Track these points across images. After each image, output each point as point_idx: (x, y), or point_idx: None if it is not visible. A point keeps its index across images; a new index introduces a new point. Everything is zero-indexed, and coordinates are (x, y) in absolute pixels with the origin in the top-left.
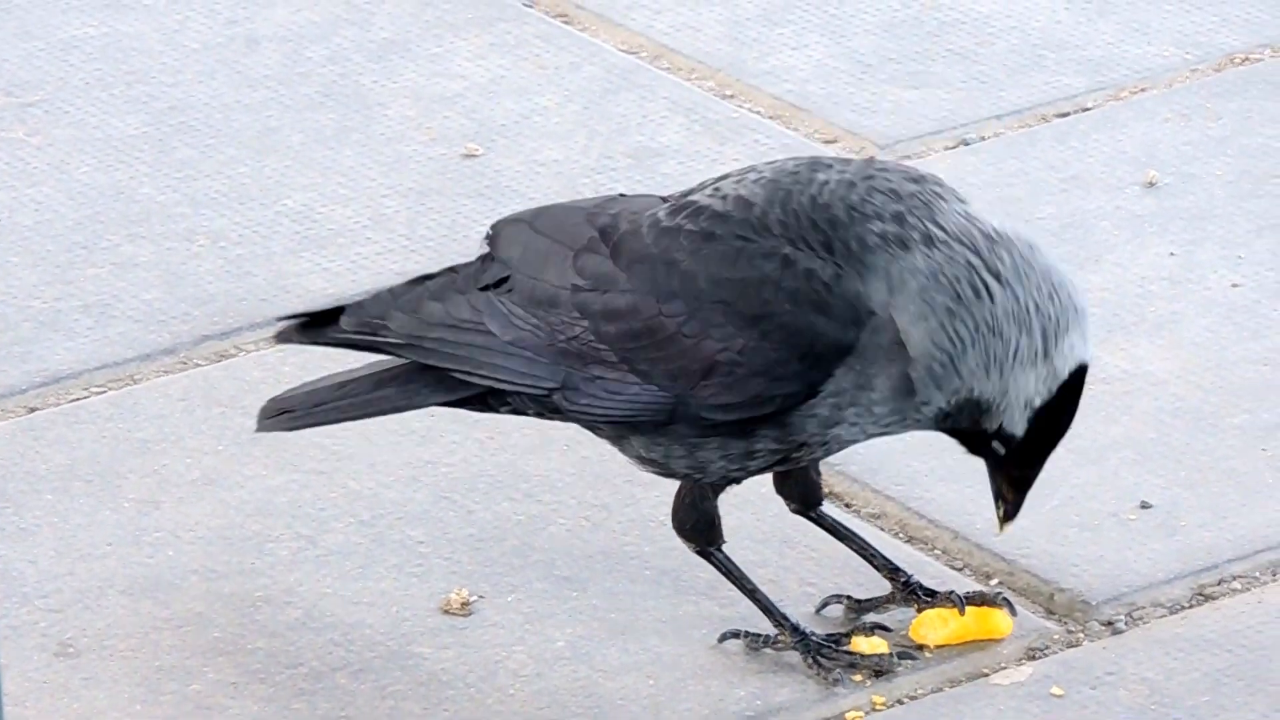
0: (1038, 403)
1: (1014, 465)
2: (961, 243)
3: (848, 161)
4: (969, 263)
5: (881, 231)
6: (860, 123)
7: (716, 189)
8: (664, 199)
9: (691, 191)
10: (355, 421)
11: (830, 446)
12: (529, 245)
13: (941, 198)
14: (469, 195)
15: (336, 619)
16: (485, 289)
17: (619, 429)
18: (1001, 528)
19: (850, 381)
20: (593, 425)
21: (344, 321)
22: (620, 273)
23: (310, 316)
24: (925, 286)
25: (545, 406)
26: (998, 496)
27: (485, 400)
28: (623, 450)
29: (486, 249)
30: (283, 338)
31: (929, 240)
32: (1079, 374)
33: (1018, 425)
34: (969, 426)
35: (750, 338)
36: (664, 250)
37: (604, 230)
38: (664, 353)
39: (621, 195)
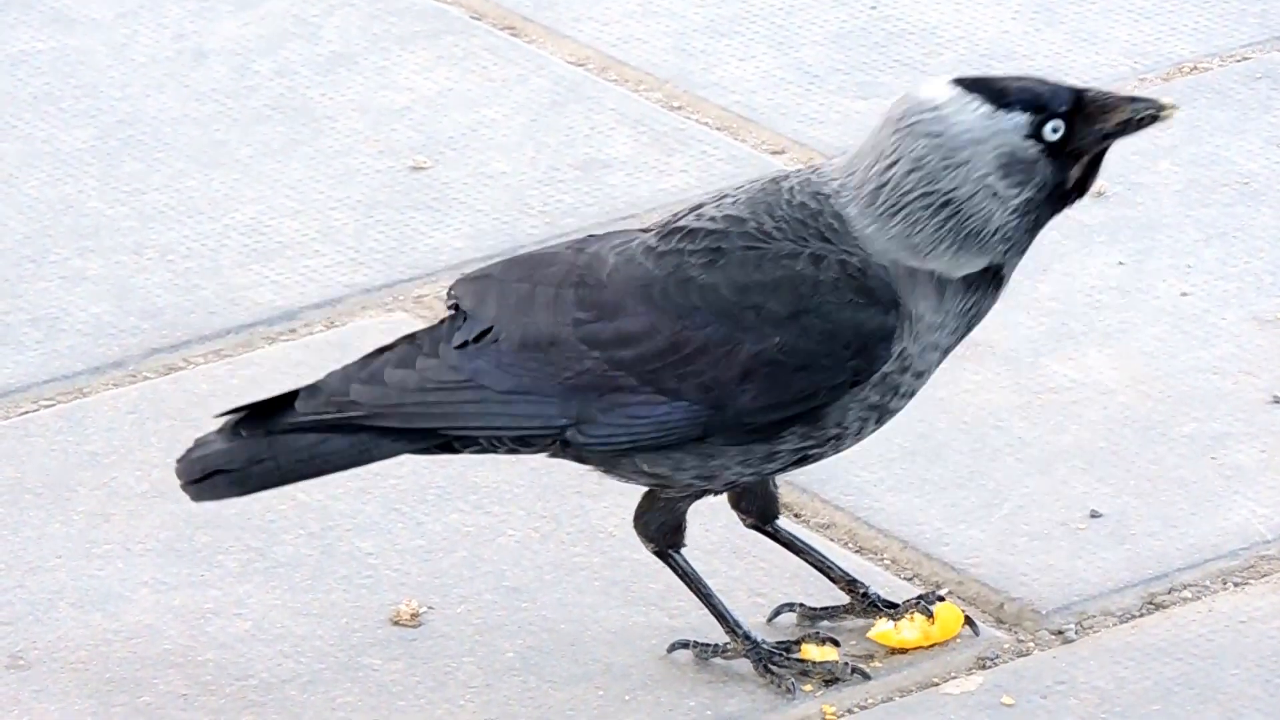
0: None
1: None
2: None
3: (795, 170)
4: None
5: (849, 198)
6: (808, 133)
7: (699, 214)
8: (642, 230)
9: (672, 220)
10: (305, 480)
11: (865, 430)
12: (505, 294)
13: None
14: (417, 208)
15: (286, 630)
16: (462, 347)
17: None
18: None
19: (905, 346)
20: (612, 456)
21: (300, 405)
22: (626, 299)
23: (253, 407)
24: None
25: (545, 445)
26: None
27: (449, 445)
28: (614, 471)
29: (450, 311)
30: (226, 434)
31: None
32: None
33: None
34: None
35: (789, 335)
36: (672, 271)
37: (590, 265)
38: (693, 366)
39: (591, 236)
